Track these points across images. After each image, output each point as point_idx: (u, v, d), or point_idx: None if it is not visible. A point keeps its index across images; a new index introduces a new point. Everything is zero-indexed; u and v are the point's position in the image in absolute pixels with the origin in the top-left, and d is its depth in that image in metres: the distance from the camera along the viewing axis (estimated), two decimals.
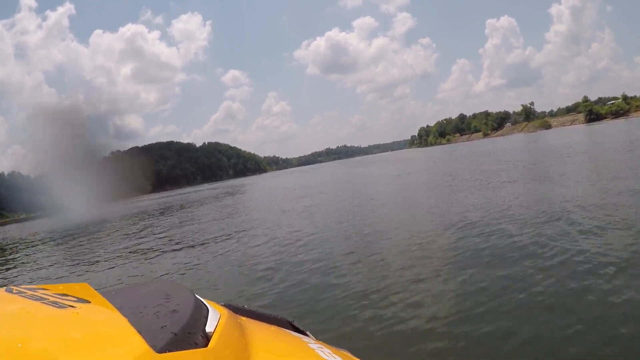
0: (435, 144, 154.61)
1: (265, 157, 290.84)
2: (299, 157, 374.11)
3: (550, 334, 2.96)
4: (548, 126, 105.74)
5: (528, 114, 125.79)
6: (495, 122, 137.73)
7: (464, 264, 4.83)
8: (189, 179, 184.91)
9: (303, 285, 5.02)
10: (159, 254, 9.38)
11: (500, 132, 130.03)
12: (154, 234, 13.49)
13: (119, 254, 10.17)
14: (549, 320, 3.15)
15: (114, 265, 8.77)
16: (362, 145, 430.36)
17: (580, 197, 7.66)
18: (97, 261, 9.73)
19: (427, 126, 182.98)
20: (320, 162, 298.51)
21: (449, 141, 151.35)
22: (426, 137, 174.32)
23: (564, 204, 7.21)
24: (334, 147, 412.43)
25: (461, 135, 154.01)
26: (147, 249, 10.29)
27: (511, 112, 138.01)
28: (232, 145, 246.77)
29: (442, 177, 16.87)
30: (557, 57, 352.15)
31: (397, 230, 7.63)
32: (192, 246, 9.53)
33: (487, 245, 5.43)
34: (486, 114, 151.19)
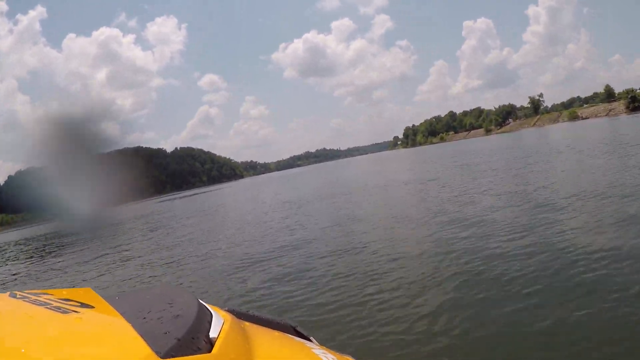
0: (425, 143, 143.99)
1: (242, 162, 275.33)
2: (278, 161, 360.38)
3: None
4: (575, 118, 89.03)
5: (536, 107, 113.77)
6: (500, 117, 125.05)
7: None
8: (158, 188, 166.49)
9: None
10: None
11: (507, 127, 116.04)
12: None
13: None
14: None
15: None
16: (342, 148, 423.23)
17: None
18: None
19: (414, 125, 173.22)
20: (299, 166, 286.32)
21: (442, 140, 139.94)
22: (413, 137, 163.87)
23: None
24: (313, 150, 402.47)
25: (456, 133, 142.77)
26: None
27: (518, 106, 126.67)
28: (211, 151, 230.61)
29: None
30: (534, 57, 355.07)
31: None
32: None
33: None
34: (479, 111, 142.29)
